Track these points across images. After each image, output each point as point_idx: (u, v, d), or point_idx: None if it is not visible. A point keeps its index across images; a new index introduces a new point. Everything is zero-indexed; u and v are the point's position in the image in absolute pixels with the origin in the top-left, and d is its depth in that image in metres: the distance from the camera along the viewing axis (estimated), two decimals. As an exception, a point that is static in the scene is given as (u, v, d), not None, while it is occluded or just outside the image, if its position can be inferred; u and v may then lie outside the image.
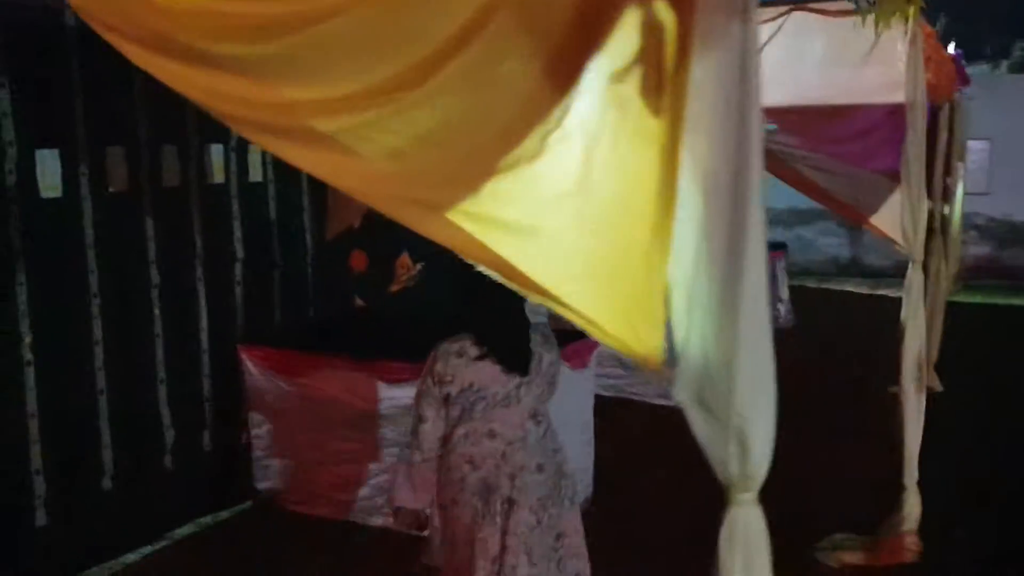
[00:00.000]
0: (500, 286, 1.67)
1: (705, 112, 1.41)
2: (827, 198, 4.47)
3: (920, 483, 4.37)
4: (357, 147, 1.64)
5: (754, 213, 1.44)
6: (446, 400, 2.76)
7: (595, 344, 5.01)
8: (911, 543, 4.27)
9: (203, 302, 4.92)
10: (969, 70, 9.55)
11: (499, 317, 2.73)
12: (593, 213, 1.54)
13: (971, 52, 10.31)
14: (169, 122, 4.59)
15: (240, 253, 5.15)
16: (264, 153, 5.28)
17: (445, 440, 2.79)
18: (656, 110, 1.47)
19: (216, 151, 4.95)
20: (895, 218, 4.20)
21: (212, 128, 4.91)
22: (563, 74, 1.49)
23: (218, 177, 4.97)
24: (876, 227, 4.34)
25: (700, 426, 1.51)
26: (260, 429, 5.07)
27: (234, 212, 5.10)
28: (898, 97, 4.22)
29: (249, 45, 1.60)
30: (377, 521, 4.74)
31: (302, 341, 5.02)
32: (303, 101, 1.63)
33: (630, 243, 1.51)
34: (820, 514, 4.87)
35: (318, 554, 4.61)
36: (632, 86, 1.47)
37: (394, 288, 6.55)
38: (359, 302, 6.17)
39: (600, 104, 1.49)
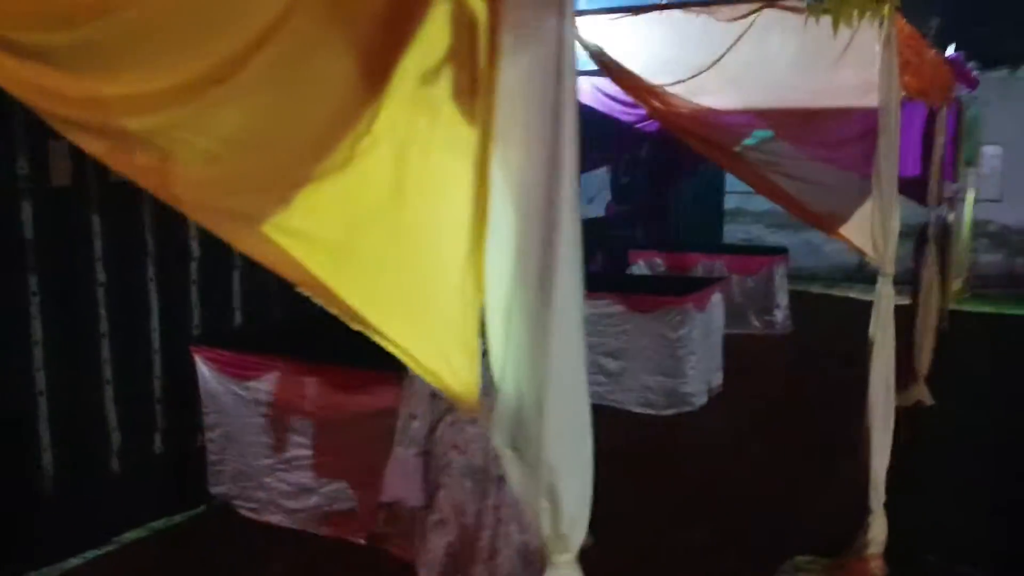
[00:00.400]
0: None
1: (516, 118, 1.24)
2: (796, 206, 4.27)
3: (894, 503, 4.18)
4: (171, 149, 1.51)
5: (568, 231, 1.27)
6: (433, 396, 2.96)
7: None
8: (876, 567, 4.08)
9: (155, 301, 4.79)
10: (987, 75, 9.27)
11: None
12: (407, 231, 1.37)
13: (989, 57, 10.02)
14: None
15: (196, 252, 5.02)
16: (225, 149, 5.15)
17: (431, 431, 3.00)
18: (469, 116, 1.30)
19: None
20: (866, 227, 4.01)
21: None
22: (374, 73, 1.33)
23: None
24: (845, 237, 4.14)
25: (515, 475, 1.34)
26: (213, 432, 4.94)
27: (191, 209, 4.97)
28: (873, 100, 4.03)
29: (53, 33, 1.48)
30: (327, 532, 4.60)
31: (257, 343, 4.88)
32: (113, 96, 1.50)
33: (445, 266, 1.34)
34: (792, 532, 4.69)
35: (271, 562, 4.49)
36: (443, 89, 1.30)
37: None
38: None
39: (409, 108, 1.32)
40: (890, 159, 3.94)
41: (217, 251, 5.14)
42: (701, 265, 9.36)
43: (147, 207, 4.69)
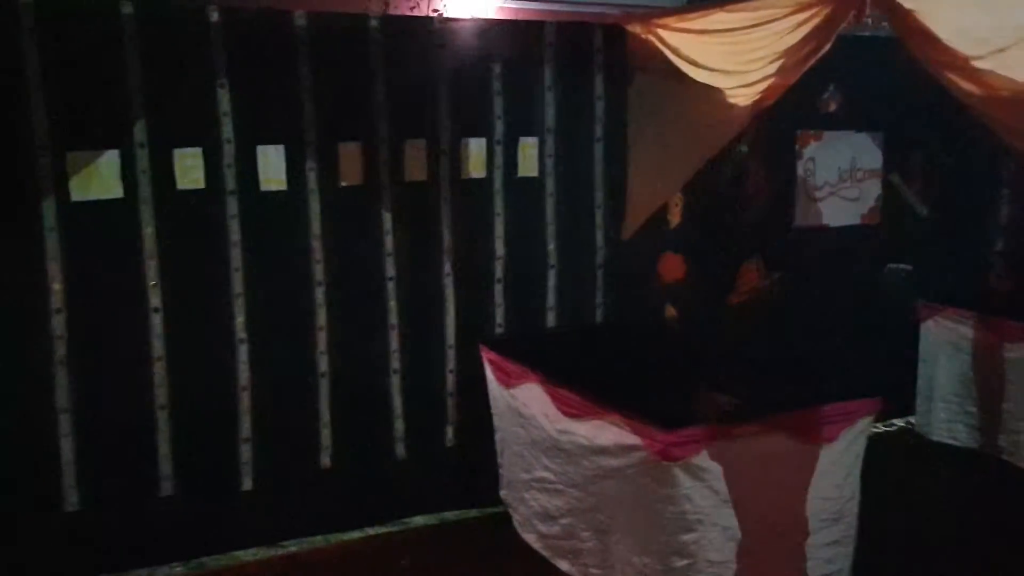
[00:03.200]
0: None
1: None
2: None
3: None
4: None
5: None
6: None
7: (850, 414, 3.69)
8: None
9: (450, 297, 4.83)
10: None
11: None
12: None
13: None
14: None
15: (501, 251, 4.92)
16: (543, 148, 4.94)
17: None
18: None
19: (476, 144, 4.78)
20: None
21: (473, 124, 4.76)
22: None
23: (476, 172, 4.80)
24: None
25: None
26: (497, 434, 4.84)
27: (496, 208, 4.89)
28: None
29: None
30: (565, 567, 4.20)
31: (532, 348, 4.57)
32: None
33: None
34: None
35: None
36: None
37: (734, 300, 5.67)
38: (671, 311, 5.47)
39: None
40: None
41: (528, 251, 5.00)
42: None
43: (445, 207, 4.73)
